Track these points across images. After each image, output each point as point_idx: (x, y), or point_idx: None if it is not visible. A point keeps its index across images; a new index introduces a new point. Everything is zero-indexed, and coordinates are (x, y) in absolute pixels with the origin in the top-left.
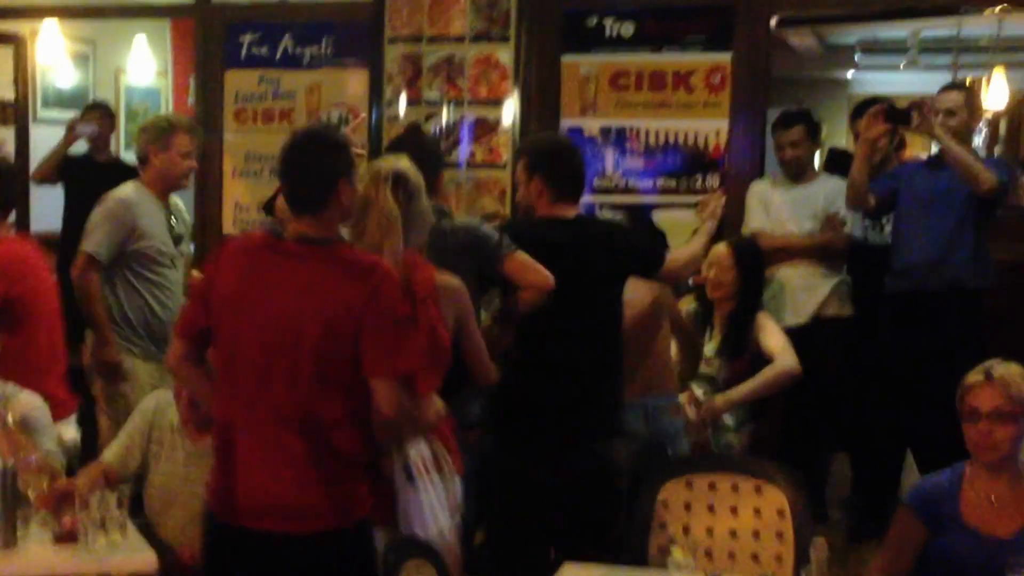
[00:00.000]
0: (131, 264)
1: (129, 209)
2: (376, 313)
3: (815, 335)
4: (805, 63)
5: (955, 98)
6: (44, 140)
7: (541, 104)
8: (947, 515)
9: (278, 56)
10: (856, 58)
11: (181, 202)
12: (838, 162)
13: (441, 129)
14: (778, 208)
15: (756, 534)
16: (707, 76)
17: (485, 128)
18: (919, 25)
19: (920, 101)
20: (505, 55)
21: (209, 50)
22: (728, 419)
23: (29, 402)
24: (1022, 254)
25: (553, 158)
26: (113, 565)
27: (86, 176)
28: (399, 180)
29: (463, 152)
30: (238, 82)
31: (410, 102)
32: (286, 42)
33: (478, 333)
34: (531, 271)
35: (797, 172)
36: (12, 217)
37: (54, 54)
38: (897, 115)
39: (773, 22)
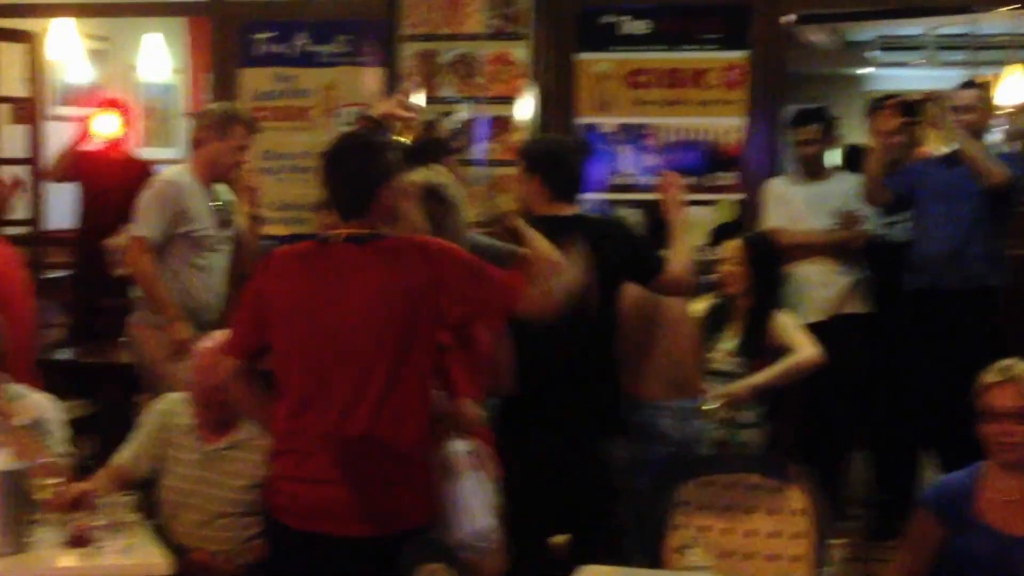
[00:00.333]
0: (178, 248)
1: (178, 191)
2: (449, 271)
3: (833, 332)
4: (822, 60)
5: (970, 95)
6: (58, 137)
7: (557, 102)
8: (964, 515)
9: (294, 54)
10: (873, 55)
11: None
12: (856, 159)
13: (456, 127)
14: (795, 205)
15: (774, 534)
16: (723, 74)
17: (501, 126)
18: (935, 22)
19: (931, 95)
20: (521, 53)
21: (225, 48)
22: (746, 417)
23: (39, 403)
24: None
25: (550, 159)
26: (126, 569)
27: (101, 173)
28: (432, 193)
29: (479, 150)
30: (254, 80)
31: (426, 100)
32: (302, 40)
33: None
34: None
35: (813, 169)
36: None
37: (68, 51)
38: (910, 109)
39: (789, 19)
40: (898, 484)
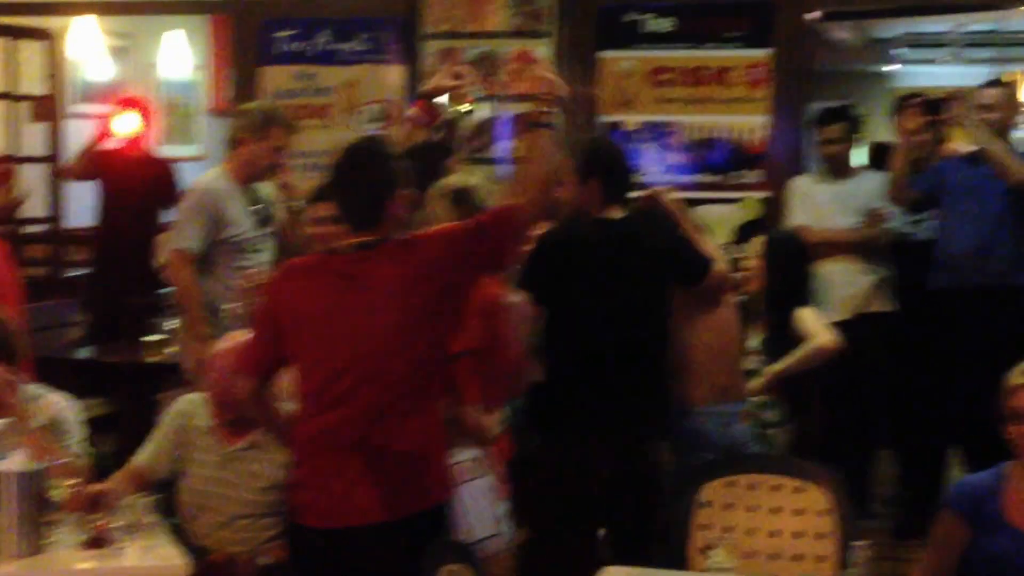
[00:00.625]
0: (220, 254)
1: (214, 198)
2: (442, 244)
3: (858, 331)
4: (848, 57)
5: (994, 94)
6: (78, 135)
7: (580, 100)
8: (990, 515)
9: (315, 52)
10: (898, 52)
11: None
12: (881, 156)
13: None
14: (820, 204)
15: (799, 534)
16: (747, 72)
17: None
18: (962, 19)
19: (955, 93)
20: (543, 51)
21: (245, 46)
22: (770, 417)
23: (57, 403)
24: None
25: (609, 162)
26: (144, 571)
27: (121, 171)
28: (462, 196)
29: (502, 148)
30: (275, 78)
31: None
32: (322, 38)
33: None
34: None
35: (838, 168)
36: None
37: (88, 49)
38: (935, 107)
39: (813, 17)
40: (923, 484)
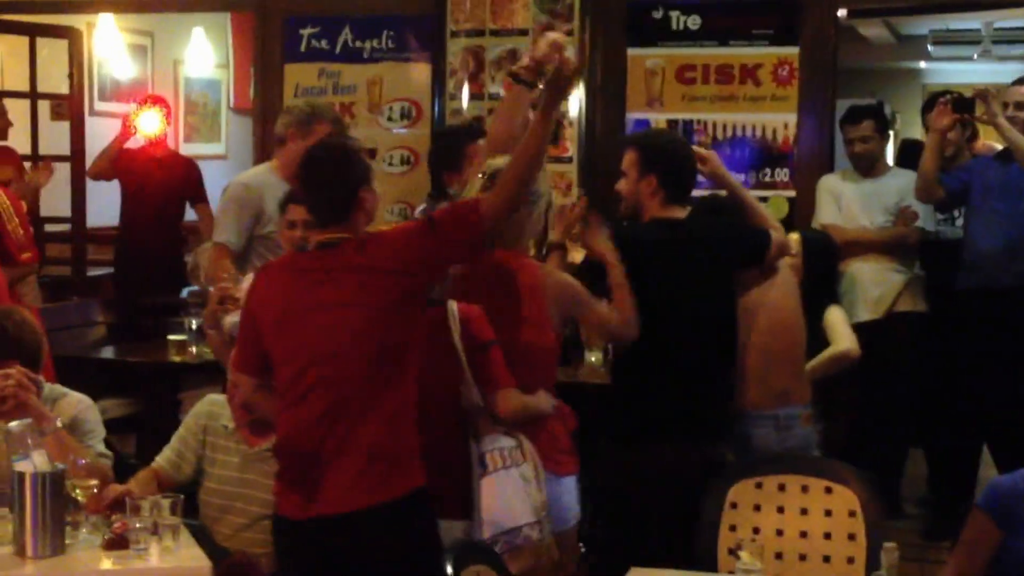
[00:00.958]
0: (259, 249)
1: (254, 193)
2: (405, 241)
3: (888, 331)
4: (878, 54)
5: (1022, 92)
6: (100, 134)
7: (607, 97)
8: (1021, 517)
9: (338, 50)
10: (929, 49)
11: None
12: (912, 154)
13: None
14: (849, 202)
15: (827, 535)
16: (775, 69)
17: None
18: (992, 15)
19: (984, 90)
20: (569, 48)
21: (269, 43)
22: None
23: (78, 403)
24: None
25: (671, 158)
26: (166, 572)
27: (144, 170)
28: (495, 178)
29: None
30: (298, 76)
31: (472, 96)
32: (346, 35)
33: (596, 309)
34: None
35: (867, 166)
36: None
37: (111, 47)
38: (963, 104)
39: (842, 14)
40: (954, 484)
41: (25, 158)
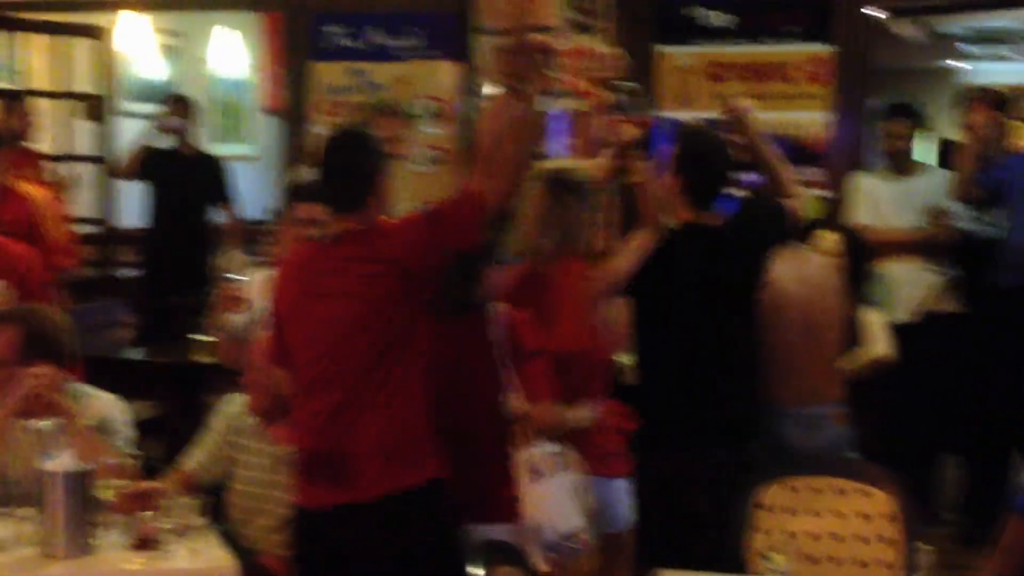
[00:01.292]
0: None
1: None
2: (403, 234)
3: (922, 331)
4: (914, 53)
5: None
6: (128, 134)
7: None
8: None
9: (366, 48)
10: (963, 48)
11: None
12: (950, 153)
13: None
14: (883, 202)
15: (863, 539)
16: (806, 68)
17: (579, 121)
18: None
19: (1021, 89)
20: (599, 46)
21: (297, 42)
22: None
23: (106, 403)
24: None
25: (695, 160)
26: (192, 573)
27: (171, 170)
28: (558, 181)
29: (557, 144)
30: (326, 74)
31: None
32: (374, 34)
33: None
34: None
35: (902, 165)
36: None
37: (139, 46)
38: (1000, 103)
39: (876, 13)
40: (991, 489)
41: (53, 158)
